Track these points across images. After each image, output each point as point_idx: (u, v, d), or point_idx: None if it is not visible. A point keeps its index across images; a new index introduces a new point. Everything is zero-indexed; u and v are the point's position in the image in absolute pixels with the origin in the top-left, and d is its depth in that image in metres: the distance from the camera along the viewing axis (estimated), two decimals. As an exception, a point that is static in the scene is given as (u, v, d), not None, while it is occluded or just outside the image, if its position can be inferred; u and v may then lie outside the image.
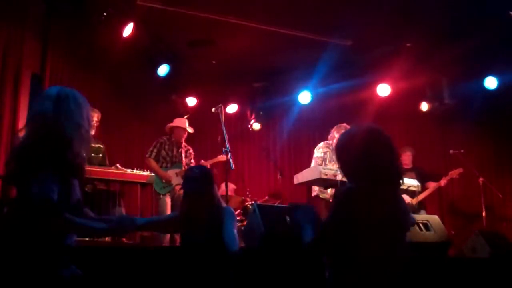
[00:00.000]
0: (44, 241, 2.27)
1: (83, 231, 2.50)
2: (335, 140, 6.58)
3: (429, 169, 7.78)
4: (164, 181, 6.53)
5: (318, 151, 6.61)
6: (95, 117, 6.01)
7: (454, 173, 7.28)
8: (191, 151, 7.00)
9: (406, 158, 7.52)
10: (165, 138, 6.88)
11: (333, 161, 6.46)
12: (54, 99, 2.41)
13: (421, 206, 7.19)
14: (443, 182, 7.24)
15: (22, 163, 2.30)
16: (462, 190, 8.45)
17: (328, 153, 6.53)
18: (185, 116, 7.34)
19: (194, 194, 3.35)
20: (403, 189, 6.31)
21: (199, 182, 3.35)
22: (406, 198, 6.99)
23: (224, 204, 3.49)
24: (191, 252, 3.30)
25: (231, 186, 7.99)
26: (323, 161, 6.48)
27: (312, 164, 6.54)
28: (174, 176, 6.62)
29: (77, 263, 2.99)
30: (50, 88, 2.55)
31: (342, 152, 2.59)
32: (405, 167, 7.46)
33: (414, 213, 6.95)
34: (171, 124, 6.97)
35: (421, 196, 7.06)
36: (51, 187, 2.24)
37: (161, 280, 3.54)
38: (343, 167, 2.58)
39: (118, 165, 5.93)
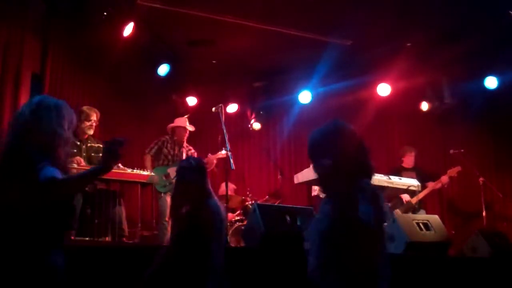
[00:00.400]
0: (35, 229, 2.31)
1: (77, 183, 2.51)
2: None
3: (430, 169, 7.78)
4: (164, 178, 6.54)
5: None
6: (94, 116, 5.99)
7: (453, 171, 7.27)
8: (192, 151, 7.01)
9: (408, 158, 7.51)
10: (167, 137, 6.92)
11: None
12: (34, 105, 2.49)
13: (421, 205, 7.19)
14: (443, 180, 7.23)
15: (12, 162, 2.36)
16: (462, 189, 8.45)
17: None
18: (185, 116, 7.33)
19: (188, 183, 3.32)
20: (403, 188, 6.32)
21: (195, 172, 3.33)
22: (406, 197, 7.01)
23: (215, 199, 3.44)
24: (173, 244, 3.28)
25: (231, 186, 7.99)
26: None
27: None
28: (174, 174, 6.61)
29: (77, 264, 3.00)
30: (35, 96, 2.63)
31: (313, 152, 2.61)
32: (406, 166, 7.47)
33: (414, 212, 6.97)
34: (172, 125, 6.99)
35: (420, 195, 7.06)
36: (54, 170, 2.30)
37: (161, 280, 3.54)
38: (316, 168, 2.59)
39: (120, 164, 5.93)
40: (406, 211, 7.01)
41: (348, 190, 2.38)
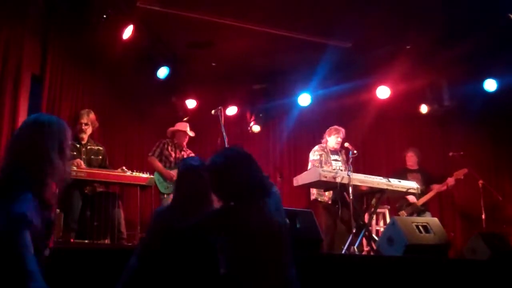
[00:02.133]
0: None
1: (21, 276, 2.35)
2: (329, 143, 6.68)
3: (435, 171, 7.74)
4: (168, 180, 6.56)
5: (314, 154, 6.68)
6: (84, 119, 6.00)
7: (459, 173, 7.26)
8: (193, 154, 7.01)
9: (410, 159, 7.50)
10: (167, 140, 6.94)
11: (329, 163, 6.57)
12: (29, 125, 2.43)
13: (426, 207, 7.19)
14: (449, 182, 7.21)
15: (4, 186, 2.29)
16: (462, 192, 8.45)
17: (323, 155, 6.62)
18: (185, 119, 7.33)
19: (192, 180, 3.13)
20: (402, 191, 6.33)
21: (198, 171, 3.20)
22: (413, 199, 7.03)
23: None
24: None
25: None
26: (320, 163, 6.52)
27: (309, 167, 6.57)
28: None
29: (77, 266, 3.00)
30: (29, 116, 2.56)
31: (210, 179, 2.85)
32: (410, 167, 7.46)
33: (419, 214, 6.99)
34: (172, 128, 7.00)
35: (425, 198, 7.08)
36: (30, 208, 2.19)
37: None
38: (217, 192, 2.86)
39: (124, 167, 5.93)
40: (411, 213, 7.03)
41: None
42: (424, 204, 7.13)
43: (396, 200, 7.21)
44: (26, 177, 2.29)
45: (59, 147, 2.42)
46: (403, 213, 7.11)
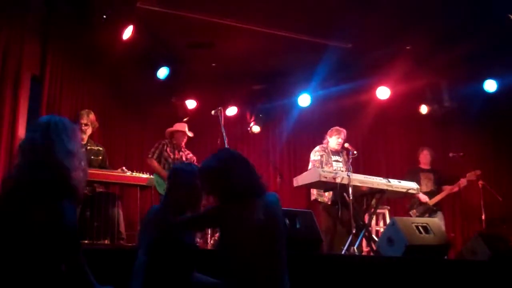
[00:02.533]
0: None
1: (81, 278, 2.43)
2: (330, 144, 6.67)
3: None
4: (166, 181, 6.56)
5: (315, 155, 6.66)
6: (84, 120, 6.01)
7: (472, 174, 7.23)
8: (191, 155, 7.01)
9: (425, 157, 7.47)
10: (166, 140, 6.91)
11: (329, 163, 6.56)
12: (44, 128, 2.43)
13: (438, 207, 7.18)
14: (461, 183, 7.17)
15: (33, 192, 2.27)
16: (462, 192, 8.43)
17: (324, 156, 6.61)
18: (184, 119, 7.31)
19: (185, 187, 3.18)
20: (402, 191, 6.32)
21: (193, 177, 3.16)
22: (424, 198, 7.03)
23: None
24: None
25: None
26: (320, 164, 6.51)
27: (310, 167, 6.56)
28: None
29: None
30: (41, 117, 2.58)
31: (204, 181, 2.92)
32: (424, 167, 7.44)
33: (430, 214, 7.00)
34: (171, 129, 6.98)
35: (437, 198, 7.08)
36: (75, 217, 2.32)
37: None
38: (211, 193, 2.93)
39: (124, 168, 5.93)
40: (423, 212, 7.03)
41: None
42: (436, 204, 7.13)
43: (408, 199, 7.20)
44: (61, 182, 2.31)
45: (78, 148, 2.49)
46: (414, 212, 7.12)
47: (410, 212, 7.14)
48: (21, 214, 2.23)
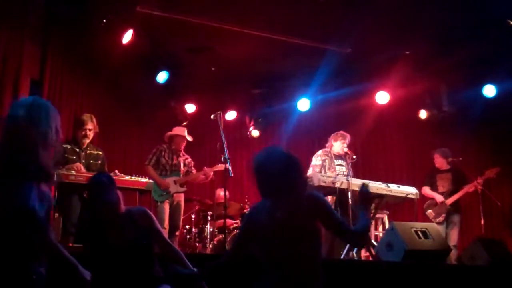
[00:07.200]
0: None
1: (57, 257, 2.46)
2: (334, 148, 6.65)
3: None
4: (162, 188, 6.53)
5: (317, 159, 6.62)
6: (89, 125, 6.00)
7: (490, 172, 7.19)
8: (190, 159, 7.00)
9: (437, 160, 7.43)
10: (164, 146, 6.86)
11: (332, 168, 6.51)
12: (28, 106, 2.49)
13: (456, 208, 7.08)
14: (479, 182, 7.09)
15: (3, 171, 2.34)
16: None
17: (326, 160, 6.56)
18: (184, 124, 7.29)
19: (103, 202, 3.19)
20: (401, 196, 6.32)
21: (108, 189, 3.21)
22: (440, 198, 7.02)
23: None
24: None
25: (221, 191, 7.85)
26: (322, 168, 6.48)
27: (310, 172, 6.53)
28: (172, 184, 6.62)
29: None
30: (27, 97, 2.65)
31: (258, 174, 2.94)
32: (440, 168, 7.38)
33: (447, 214, 6.97)
34: (170, 133, 6.95)
35: (453, 198, 7.01)
36: (34, 199, 2.28)
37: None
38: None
39: (116, 171, 5.92)
40: (439, 213, 7.00)
41: None
42: (453, 205, 7.04)
43: (425, 200, 7.18)
44: (29, 163, 2.33)
45: (56, 129, 2.54)
46: (430, 213, 7.09)
47: (426, 213, 7.12)
48: None
